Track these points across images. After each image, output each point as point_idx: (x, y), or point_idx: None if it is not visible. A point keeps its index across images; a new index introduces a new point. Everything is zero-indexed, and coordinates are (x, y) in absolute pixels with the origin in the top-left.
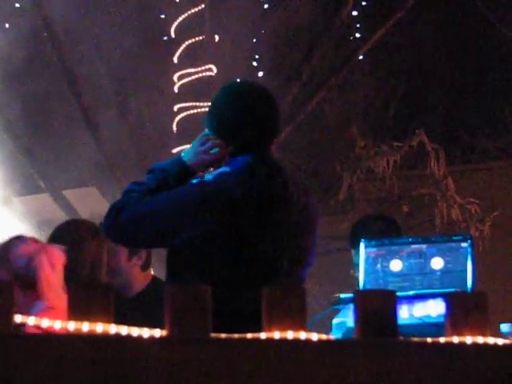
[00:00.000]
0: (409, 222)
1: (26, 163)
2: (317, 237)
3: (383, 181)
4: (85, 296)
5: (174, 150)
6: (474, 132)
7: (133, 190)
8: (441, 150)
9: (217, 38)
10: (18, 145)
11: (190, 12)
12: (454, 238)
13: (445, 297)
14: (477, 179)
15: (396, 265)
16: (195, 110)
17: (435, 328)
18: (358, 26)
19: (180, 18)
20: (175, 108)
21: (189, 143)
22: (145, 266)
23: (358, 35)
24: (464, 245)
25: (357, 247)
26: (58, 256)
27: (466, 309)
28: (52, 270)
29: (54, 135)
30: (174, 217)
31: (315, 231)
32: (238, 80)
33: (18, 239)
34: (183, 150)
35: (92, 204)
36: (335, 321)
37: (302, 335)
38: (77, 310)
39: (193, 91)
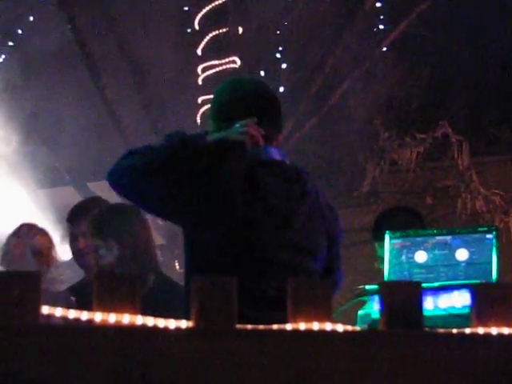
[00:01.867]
0: (433, 214)
1: (50, 155)
2: (325, 234)
3: (407, 173)
4: (111, 287)
5: None
6: (498, 123)
7: (150, 159)
8: (465, 141)
9: (240, 29)
10: (42, 137)
11: (213, 4)
12: (479, 229)
13: (470, 288)
14: (501, 170)
15: (421, 256)
16: None
17: (460, 319)
18: (381, 17)
19: (204, 10)
20: (199, 100)
21: None
22: None
23: (381, 27)
24: (489, 236)
25: (380, 240)
26: None
27: (491, 300)
28: None
29: (78, 127)
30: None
31: (323, 225)
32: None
33: None
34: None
35: (116, 196)
36: (360, 312)
37: (328, 326)
38: (103, 301)
39: (217, 83)
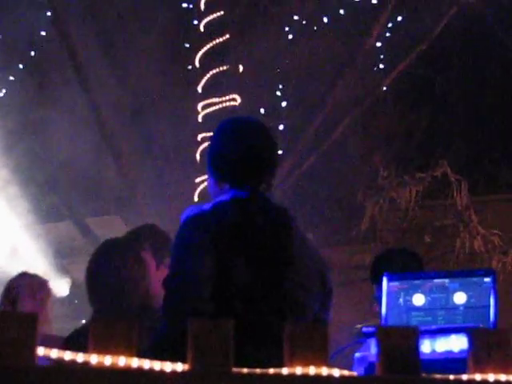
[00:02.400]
0: (431, 253)
1: (49, 191)
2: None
3: (406, 211)
4: (108, 328)
5: (197, 180)
6: (497, 163)
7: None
8: (464, 180)
9: (241, 68)
10: (42, 172)
11: (214, 42)
12: (477, 272)
13: (467, 333)
14: (500, 210)
15: (419, 299)
16: None
17: (457, 364)
18: (381, 57)
19: (205, 48)
20: (199, 137)
21: None
22: None
23: (381, 66)
24: (487, 280)
25: (378, 282)
26: None
27: (488, 346)
28: None
29: (77, 163)
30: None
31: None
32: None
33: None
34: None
35: (115, 233)
36: (357, 355)
37: (324, 371)
38: (99, 342)
39: (216, 121)
